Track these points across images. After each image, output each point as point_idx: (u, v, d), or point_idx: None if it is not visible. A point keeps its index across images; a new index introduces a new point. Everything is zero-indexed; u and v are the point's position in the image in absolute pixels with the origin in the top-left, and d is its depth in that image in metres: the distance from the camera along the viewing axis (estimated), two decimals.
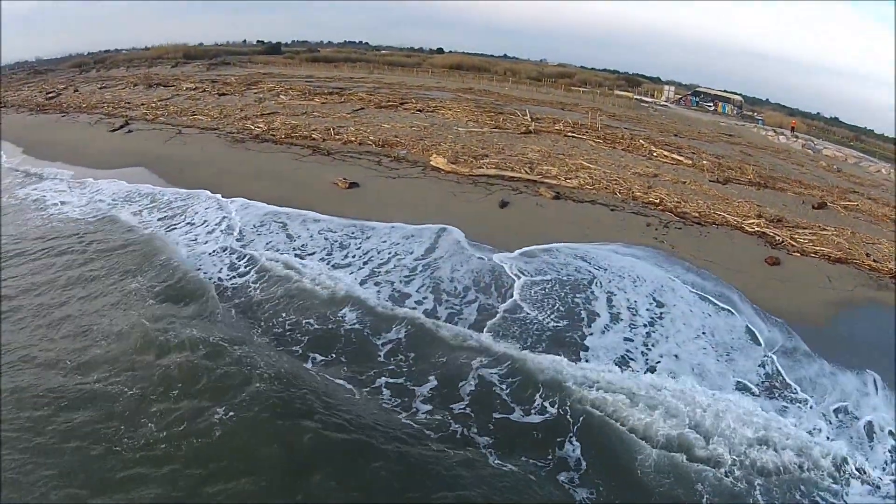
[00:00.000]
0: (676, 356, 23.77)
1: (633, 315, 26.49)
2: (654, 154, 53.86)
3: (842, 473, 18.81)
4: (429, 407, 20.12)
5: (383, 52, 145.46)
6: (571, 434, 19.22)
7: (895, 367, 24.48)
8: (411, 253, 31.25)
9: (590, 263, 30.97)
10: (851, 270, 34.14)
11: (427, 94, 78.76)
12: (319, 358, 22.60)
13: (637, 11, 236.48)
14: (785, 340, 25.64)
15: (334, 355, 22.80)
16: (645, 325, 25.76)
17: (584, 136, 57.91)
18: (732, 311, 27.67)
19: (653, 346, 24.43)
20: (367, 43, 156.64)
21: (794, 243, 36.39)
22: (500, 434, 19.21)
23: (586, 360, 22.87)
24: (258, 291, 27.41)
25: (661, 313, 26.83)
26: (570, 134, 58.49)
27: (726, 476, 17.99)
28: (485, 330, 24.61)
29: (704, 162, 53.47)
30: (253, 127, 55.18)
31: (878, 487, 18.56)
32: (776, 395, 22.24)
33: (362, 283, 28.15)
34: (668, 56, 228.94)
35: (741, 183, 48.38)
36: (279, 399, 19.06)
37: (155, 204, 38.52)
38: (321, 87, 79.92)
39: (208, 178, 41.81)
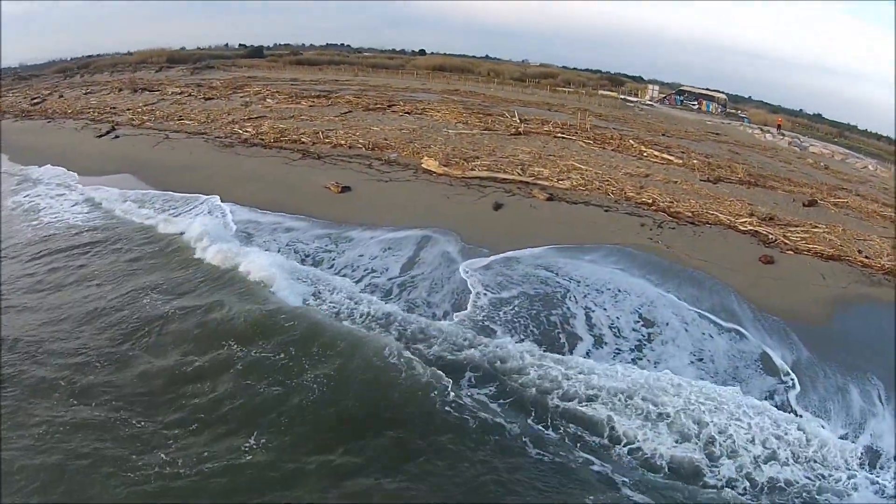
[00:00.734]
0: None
1: (618, 337, 25.61)
2: (645, 154, 54.58)
3: None
4: None
5: (365, 54, 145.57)
6: None
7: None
8: (387, 270, 30.41)
9: (559, 275, 30.38)
10: (844, 267, 34.69)
11: (414, 96, 79.21)
12: None
13: (617, 10, 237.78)
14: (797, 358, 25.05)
15: None
16: (632, 350, 24.71)
17: (574, 137, 58.58)
18: (740, 329, 26.96)
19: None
20: (348, 45, 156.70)
21: (786, 241, 36.93)
22: None
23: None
24: None
25: (649, 334, 25.99)
26: (559, 135, 59.11)
27: None
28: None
29: (694, 161, 54.24)
30: (241, 131, 55.43)
31: None
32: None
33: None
34: (649, 55, 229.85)
35: (732, 182, 49.09)
36: None
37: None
38: (307, 90, 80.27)
39: (199, 183, 42.00)
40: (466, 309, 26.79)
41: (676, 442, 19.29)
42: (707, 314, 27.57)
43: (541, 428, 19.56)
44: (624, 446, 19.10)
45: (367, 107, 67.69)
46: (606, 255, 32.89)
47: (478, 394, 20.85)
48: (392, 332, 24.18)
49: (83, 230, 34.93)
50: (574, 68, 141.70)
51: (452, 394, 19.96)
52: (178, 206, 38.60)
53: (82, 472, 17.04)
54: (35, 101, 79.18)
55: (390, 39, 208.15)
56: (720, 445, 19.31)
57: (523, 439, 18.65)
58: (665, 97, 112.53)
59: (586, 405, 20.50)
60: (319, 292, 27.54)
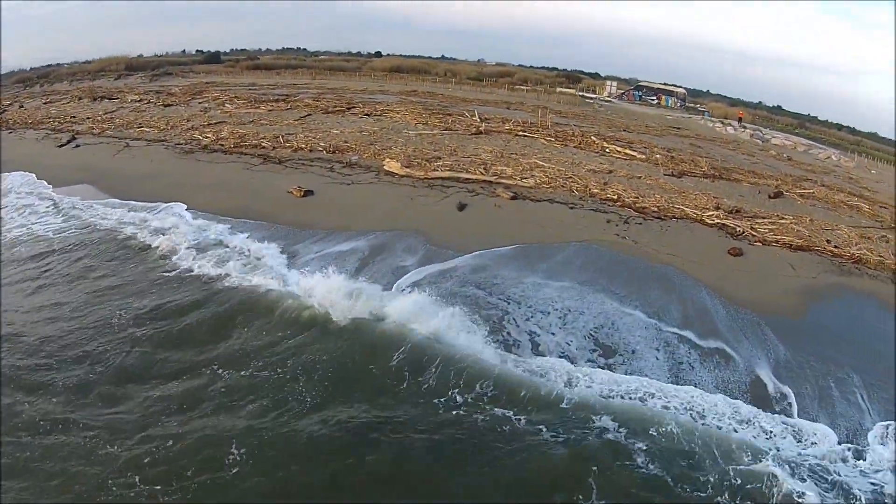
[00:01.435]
0: None
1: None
2: (607, 150, 54.57)
3: None
4: None
5: (322, 57, 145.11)
6: None
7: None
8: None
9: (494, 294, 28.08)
10: (813, 257, 34.90)
11: (372, 98, 78.49)
12: None
13: (571, 9, 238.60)
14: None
15: None
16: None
17: (536, 135, 58.46)
18: (723, 348, 25.07)
19: None
20: (305, 49, 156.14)
21: (754, 233, 37.07)
22: None
23: None
24: None
25: (609, 365, 23.30)
26: (521, 133, 58.96)
27: None
28: None
29: (657, 156, 54.39)
30: (201, 137, 54.40)
31: None
32: None
33: None
34: (605, 52, 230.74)
35: (696, 175, 49.40)
36: None
37: None
38: (265, 94, 79.52)
39: (162, 191, 40.84)
40: None
41: None
42: (681, 332, 25.85)
43: None
44: None
45: (326, 110, 66.99)
46: (568, 262, 31.72)
47: None
48: None
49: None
50: (531, 66, 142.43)
51: None
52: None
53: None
54: None
55: (346, 42, 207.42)
56: None
57: None
58: (624, 93, 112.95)
59: None
60: None
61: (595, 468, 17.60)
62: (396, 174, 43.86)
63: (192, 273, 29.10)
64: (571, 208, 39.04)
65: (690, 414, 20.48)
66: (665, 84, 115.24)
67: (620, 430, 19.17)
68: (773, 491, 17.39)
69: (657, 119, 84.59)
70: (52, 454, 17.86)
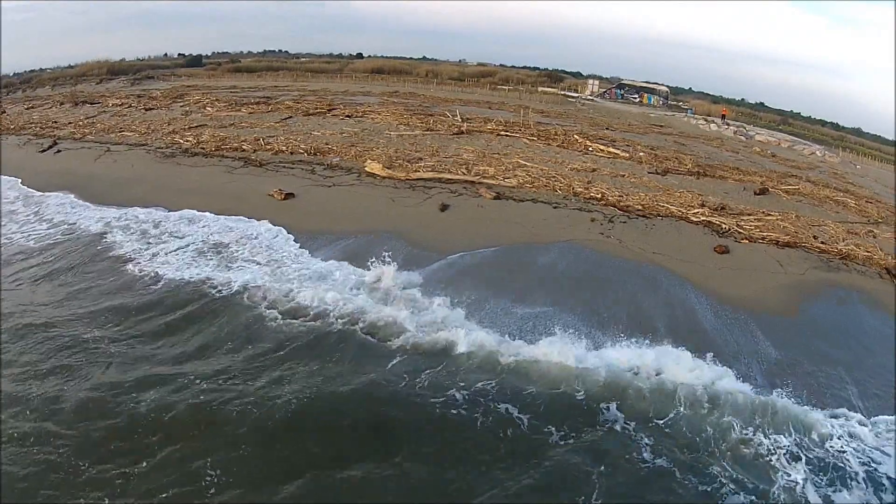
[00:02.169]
0: None
1: None
2: (590, 149, 54.42)
3: None
4: None
5: (303, 59, 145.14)
6: None
7: None
8: None
9: None
10: (801, 254, 34.83)
11: (353, 100, 78.24)
12: None
13: (552, 9, 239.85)
14: None
15: None
16: None
17: (518, 135, 58.25)
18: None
19: None
20: (286, 51, 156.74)
21: (741, 230, 36.97)
22: None
23: None
24: None
25: None
26: (503, 133, 58.71)
27: None
28: None
29: (641, 154, 54.28)
30: (182, 141, 53.95)
31: None
32: None
33: None
34: (586, 51, 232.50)
35: (680, 173, 49.26)
36: None
37: None
38: (246, 97, 79.13)
39: (145, 196, 40.41)
40: None
41: None
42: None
43: None
44: None
45: (307, 112, 66.64)
46: (549, 270, 30.67)
47: None
48: None
49: None
50: (512, 66, 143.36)
51: None
52: None
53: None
54: None
55: (328, 44, 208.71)
56: None
57: None
58: (605, 91, 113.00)
59: None
60: None
61: None
62: (378, 175, 43.60)
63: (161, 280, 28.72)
64: (555, 208, 38.85)
65: None
66: (647, 82, 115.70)
67: None
68: None
69: (640, 117, 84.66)
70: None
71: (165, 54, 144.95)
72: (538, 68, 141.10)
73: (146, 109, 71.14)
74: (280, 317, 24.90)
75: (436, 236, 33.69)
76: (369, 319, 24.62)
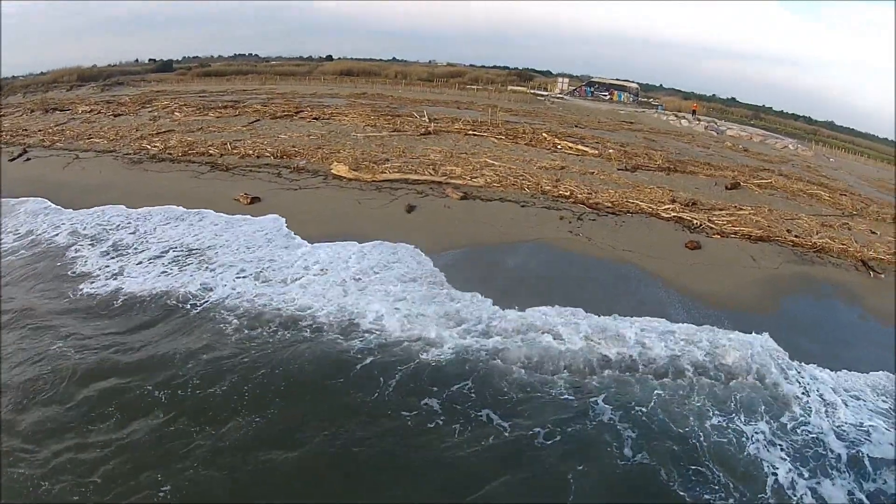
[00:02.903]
0: None
1: None
2: (559, 146, 54.04)
3: None
4: None
5: (273, 62, 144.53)
6: None
7: None
8: None
9: None
10: (774, 248, 34.61)
11: (321, 102, 77.71)
12: None
13: (522, 8, 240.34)
14: None
15: None
16: None
17: (486, 134, 57.73)
18: None
19: None
20: (257, 55, 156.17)
21: (712, 226, 36.68)
22: None
23: None
24: None
25: None
26: (470, 132, 58.12)
27: None
28: None
29: (610, 151, 54.05)
30: (149, 146, 52.79)
31: None
32: None
33: None
34: (557, 50, 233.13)
35: (650, 169, 49.04)
36: None
37: None
38: (215, 101, 78.06)
39: (112, 203, 39.30)
40: None
41: None
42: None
43: None
44: None
45: (274, 115, 65.75)
46: (516, 276, 29.68)
47: None
48: None
49: None
50: (482, 66, 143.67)
51: None
52: None
53: None
54: None
55: (299, 47, 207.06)
56: None
57: None
58: (575, 89, 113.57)
59: None
60: None
61: None
62: (344, 177, 42.85)
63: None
64: (523, 206, 38.32)
65: None
66: (617, 80, 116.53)
67: None
68: None
69: (610, 114, 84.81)
70: None
71: (136, 60, 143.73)
72: (508, 68, 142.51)
73: (115, 115, 69.88)
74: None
75: (402, 238, 32.93)
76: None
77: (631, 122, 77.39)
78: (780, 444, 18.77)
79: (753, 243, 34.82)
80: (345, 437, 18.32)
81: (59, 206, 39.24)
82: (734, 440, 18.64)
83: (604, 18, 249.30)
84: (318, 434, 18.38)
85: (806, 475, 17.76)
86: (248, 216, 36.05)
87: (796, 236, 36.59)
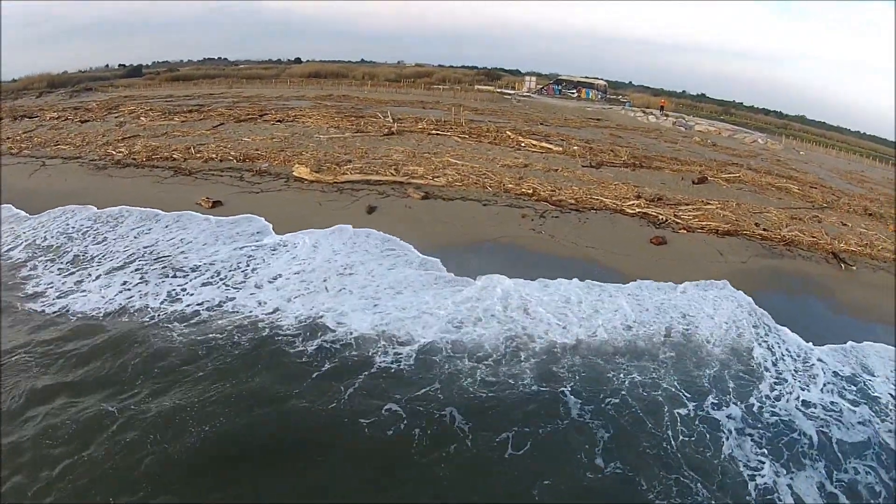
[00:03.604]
0: None
1: None
2: (523, 144, 53.48)
3: None
4: None
5: (242, 66, 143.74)
6: None
7: None
8: None
9: None
10: (742, 241, 34.35)
11: (286, 105, 76.82)
12: None
13: (491, 8, 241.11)
14: None
15: None
16: None
17: (449, 133, 57.06)
18: None
19: None
20: (226, 59, 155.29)
21: (678, 221, 36.29)
22: None
23: None
24: None
25: None
26: (434, 132, 57.48)
27: None
28: None
29: (575, 148, 53.45)
30: (114, 152, 51.66)
31: None
32: None
33: None
34: (526, 49, 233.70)
35: (615, 165, 48.66)
36: None
37: None
38: (181, 105, 76.88)
39: (72, 209, 38.12)
40: None
41: None
42: None
43: None
44: None
45: (238, 118, 64.76)
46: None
47: None
48: None
49: None
50: (451, 66, 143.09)
51: None
52: None
53: None
54: None
55: (269, 50, 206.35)
56: None
57: None
58: (543, 87, 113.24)
59: None
60: None
61: None
62: (306, 180, 42.22)
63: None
64: (485, 205, 37.72)
65: None
66: (586, 77, 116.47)
67: None
68: None
69: (577, 111, 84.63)
70: None
71: (107, 65, 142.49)
72: (477, 67, 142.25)
73: (81, 122, 68.68)
74: None
75: None
76: None
77: (598, 119, 77.17)
78: None
79: (721, 238, 34.48)
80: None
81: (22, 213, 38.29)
82: None
83: (575, 17, 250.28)
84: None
85: None
86: (211, 218, 35.32)
87: (765, 230, 36.32)
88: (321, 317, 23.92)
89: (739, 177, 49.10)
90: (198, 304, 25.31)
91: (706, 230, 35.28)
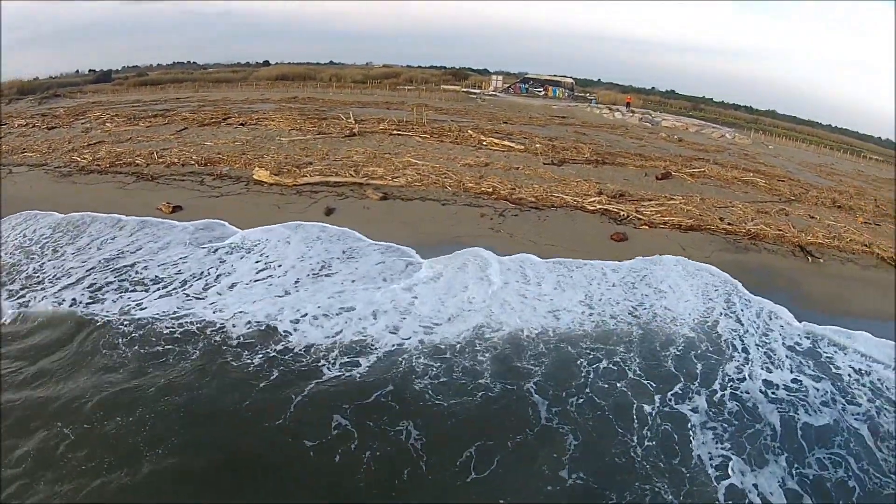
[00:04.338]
0: None
1: None
2: (484, 143, 53.20)
3: None
4: None
5: (211, 69, 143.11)
6: None
7: None
8: None
9: None
10: (706, 236, 34.09)
11: (251, 108, 76.38)
12: None
13: (461, 8, 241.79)
14: None
15: None
16: None
17: (411, 133, 56.60)
18: None
19: None
20: (195, 62, 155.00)
21: (640, 217, 35.93)
22: None
23: None
24: None
25: None
26: (395, 132, 57.05)
27: None
28: None
29: (537, 146, 53.17)
30: (80, 159, 50.73)
31: None
32: None
33: None
34: (497, 48, 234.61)
35: (578, 162, 48.47)
36: None
37: None
38: (146, 110, 76.16)
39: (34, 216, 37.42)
40: None
41: None
42: None
43: None
44: None
45: (202, 122, 64.01)
46: None
47: None
48: None
49: None
50: (419, 66, 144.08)
51: None
52: None
53: None
54: None
55: (237, 53, 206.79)
56: None
57: None
58: (510, 86, 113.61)
59: None
60: None
61: None
62: (266, 183, 41.60)
63: None
64: (443, 205, 37.22)
65: None
66: (554, 75, 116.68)
67: None
68: None
69: (542, 110, 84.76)
70: None
71: (77, 71, 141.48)
72: (445, 67, 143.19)
73: (48, 128, 67.82)
74: None
75: None
76: None
77: (563, 117, 77.18)
78: None
79: (683, 233, 34.20)
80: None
81: None
82: None
83: (547, 16, 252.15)
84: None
85: None
86: (172, 224, 34.59)
87: (729, 224, 36.05)
88: (275, 321, 23.31)
89: (704, 171, 48.95)
90: (152, 316, 24.25)
91: (668, 226, 34.94)
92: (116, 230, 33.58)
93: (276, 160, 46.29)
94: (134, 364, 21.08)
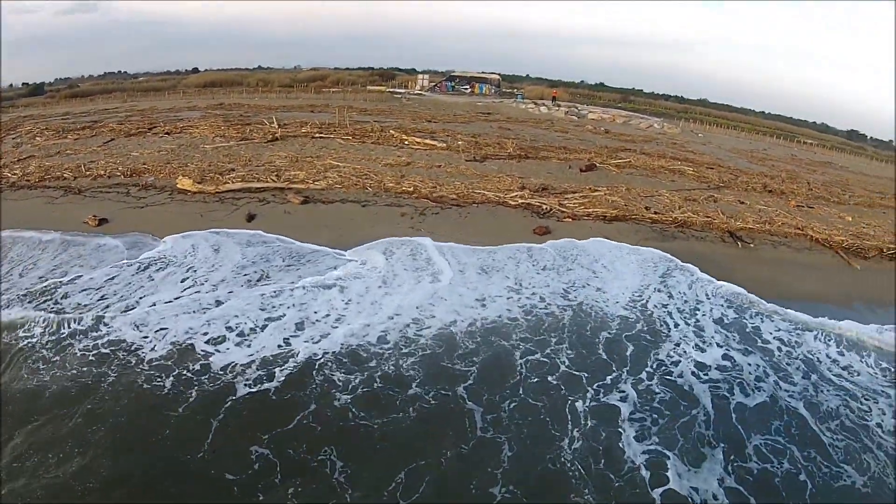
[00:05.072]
0: None
1: None
2: (406, 142, 52.81)
3: None
4: None
5: (141, 78, 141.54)
6: None
7: None
8: None
9: None
10: (631, 226, 33.99)
11: (178, 116, 74.96)
12: None
13: (389, 9, 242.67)
14: None
15: None
16: None
17: (333, 136, 55.86)
18: None
19: None
20: (126, 72, 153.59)
21: (563, 209, 35.61)
22: None
23: None
24: None
25: None
26: (318, 135, 56.29)
27: None
28: None
29: (460, 143, 52.96)
30: (10, 174, 49.46)
31: None
32: None
33: None
34: (424, 48, 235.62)
35: (501, 158, 48.26)
36: None
37: None
38: (75, 122, 74.15)
39: None
40: None
41: None
42: None
43: None
44: None
45: (128, 133, 62.63)
46: None
47: None
48: None
49: None
50: (346, 68, 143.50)
51: None
52: None
53: None
54: None
55: (167, 61, 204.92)
56: None
57: None
58: (436, 85, 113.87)
59: None
60: None
61: None
62: (189, 191, 40.60)
63: None
64: (364, 206, 36.67)
65: None
66: (482, 73, 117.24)
67: None
68: None
69: (467, 107, 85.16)
70: None
71: (11, 85, 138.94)
72: (373, 68, 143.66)
73: None
74: None
75: None
76: None
77: (488, 113, 77.51)
78: None
79: (608, 223, 34.03)
80: None
81: None
82: None
83: (473, 14, 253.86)
84: None
85: None
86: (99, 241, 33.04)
87: (655, 213, 35.96)
88: (194, 338, 22.07)
89: (630, 162, 49.10)
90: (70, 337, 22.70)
91: (592, 217, 34.70)
92: (39, 251, 32.17)
93: (200, 168, 45.41)
94: (51, 391, 19.40)
